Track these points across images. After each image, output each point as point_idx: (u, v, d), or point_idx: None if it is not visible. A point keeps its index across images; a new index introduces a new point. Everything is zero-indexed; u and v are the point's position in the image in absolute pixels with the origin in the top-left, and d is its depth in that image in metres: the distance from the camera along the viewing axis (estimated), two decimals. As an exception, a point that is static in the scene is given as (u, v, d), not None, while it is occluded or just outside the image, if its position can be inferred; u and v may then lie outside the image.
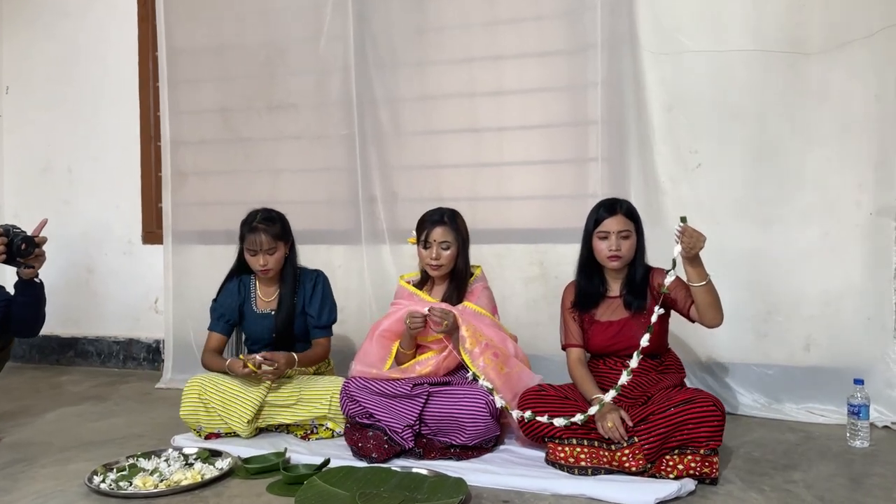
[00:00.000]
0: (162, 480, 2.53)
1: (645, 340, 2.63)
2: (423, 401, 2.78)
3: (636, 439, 2.48)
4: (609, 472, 2.52)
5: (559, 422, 2.57)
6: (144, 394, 3.98)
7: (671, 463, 2.47)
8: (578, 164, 3.67)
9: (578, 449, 2.57)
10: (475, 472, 2.55)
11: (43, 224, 2.93)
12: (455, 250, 2.98)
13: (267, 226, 3.10)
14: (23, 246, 2.84)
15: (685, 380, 2.89)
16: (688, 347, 3.42)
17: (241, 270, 3.26)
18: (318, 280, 3.25)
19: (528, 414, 2.64)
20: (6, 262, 2.86)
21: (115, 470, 2.62)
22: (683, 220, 2.56)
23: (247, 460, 2.71)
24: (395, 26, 3.92)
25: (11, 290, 3.09)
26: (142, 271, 4.57)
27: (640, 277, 2.81)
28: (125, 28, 4.59)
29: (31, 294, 3.04)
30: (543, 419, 2.61)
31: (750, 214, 3.40)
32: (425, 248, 2.98)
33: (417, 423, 2.77)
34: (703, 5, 3.44)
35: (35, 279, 3.02)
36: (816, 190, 3.33)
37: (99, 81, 4.65)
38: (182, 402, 3.01)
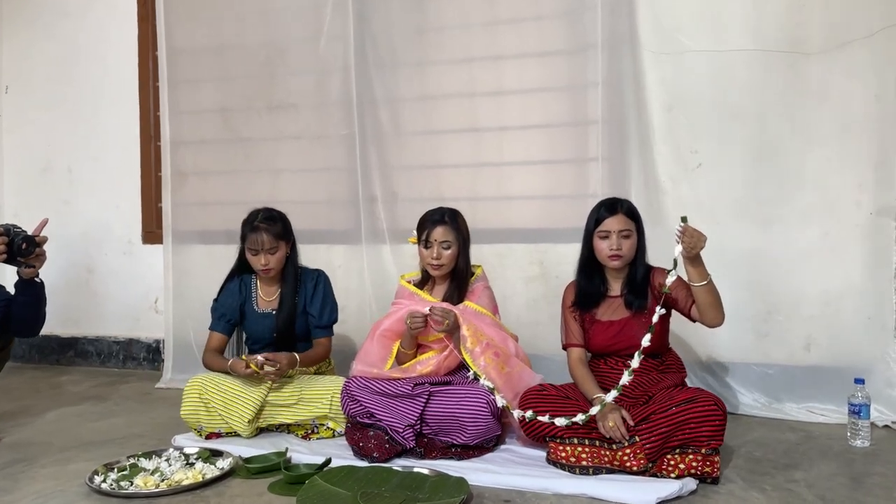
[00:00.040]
0: (163, 480, 2.53)
1: (646, 340, 2.63)
2: (425, 400, 2.78)
3: (637, 439, 2.48)
4: (610, 471, 2.53)
5: (560, 421, 2.58)
6: (144, 394, 3.98)
7: (672, 462, 2.47)
8: (579, 163, 3.67)
9: (580, 448, 2.57)
10: (476, 472, 2.55)
11: (43, 223, 2.93)
12: (456, 250, 2.98)
13: (268, 225, 3.10)
14: (23, 245, 2.84)
15: (686, 379, 2.89)
16: (688, 347, 3.42)
17: (242, 270, 3.26)
18: (320, 280, 3.25)
19: (529, 413, 2.64)
20: (7, 261, 2.86)
21: (115, 470, 2.61)
22: (684, 219, 2.56)
23: (248, 460, 2.71)
24: (395, 26, 3.92)
25: (12, 290, 3.09)
26: (142, 271, 4.57)
27: (640, 277, 2.81)
28: (125, 28, 4.59)
29: (32, 294, 3.04)
30: (545, 419, 2.61)
31: (750, 214, 3.40)
32: (426, 247, 2.98)
33: (418, 422, 2.77)
34: (703, 5, 3.45)
35: (35, 279, 3.02)
36: (816, 190, 3.33)
37: (99, 81, 4.65)
38: (183, 402, 3.01)
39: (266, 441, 2.95)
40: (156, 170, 4.53)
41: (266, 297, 3.24)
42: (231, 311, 3.23)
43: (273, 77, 4.18)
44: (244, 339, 3.38)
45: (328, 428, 3.02)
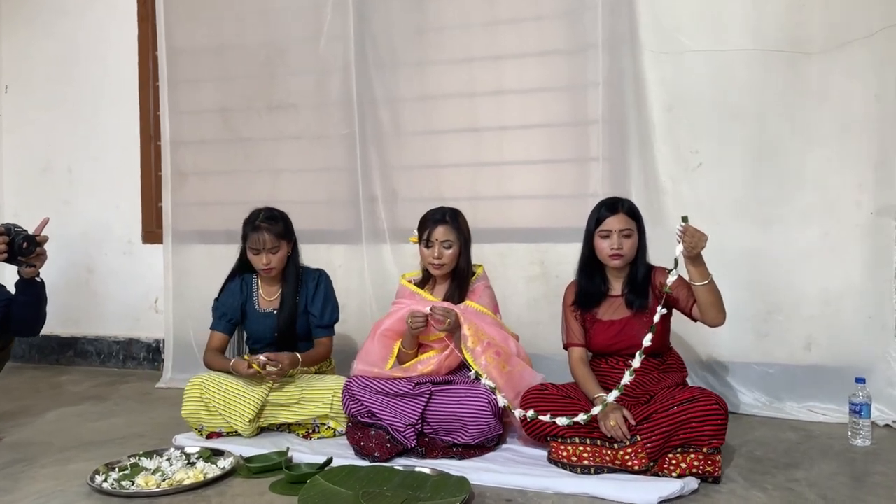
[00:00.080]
0: (164, 480, 2.52)
1: (647, 340, 2.63)
2: (426, 400, 2.79)
3: (639, 438, 2.48)
4: (612, 470, 2.52)
5: (562, 421, 2.58)
6: (145, 393, 3.98)
7: (674, 462, 2.47)
8: (579, 163, 3.67)
9: (581, 448, 2.57)
10: (478, 471, 2.54)
11: (44, 223, 2.93)
12: (457, 249, 2.98)
13: (270, 225, 3.10)
14: (24, 245, 2.83)
15: (686, 379, 2.89)
16: (689, 346, 3.42)
17: (243, 269, 3.25)
18: (321, 279, 3.25)
19: (530, 413, 2.64)
20: (7, 260, 2.86)
21: (116, 469, 2.61)
22: (685, 219, 2.56)
23: (249, 459, 2.71)
24: (395, 26, 3.92)
25: (12, 290, 3.09)
26: (142, 271, 4.57)
27: (641, 276, 2.81)
28: (125, 27, 4.59)
29: (32, 293, 3.04)
30: (546, 418, 2.61)
31: (750, 214, 3.41)
32: (427, 247, 2.98)
33: (420, 421, 2.77)
34: (703, 5, 3.45)
35: (36, 278, 3.01)
36: (817, 190, 3.34)
37: (99, 81, 4.65)
38: (183, 402, 3.01)
39: (267, 441, 2.95)
40: (156, 169, 4.53)
41: (267, 297, 3.24)
42: (232, 311, 3.23)
43: (273, 77, 4.18)
44: (245, 338, 3.38)
45: (329, 427, 3.02)
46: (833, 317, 3.32)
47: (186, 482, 2.48)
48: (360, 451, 2.76)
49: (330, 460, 2.62)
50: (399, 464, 2.64)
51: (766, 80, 3.37)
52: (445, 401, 2.78)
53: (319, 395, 3.00)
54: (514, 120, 3.76)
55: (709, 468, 2.45)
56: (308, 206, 3.98)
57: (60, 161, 4.75)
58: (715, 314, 2.64)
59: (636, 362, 2.61)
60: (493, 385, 2.75)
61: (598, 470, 2.54)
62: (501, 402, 2.72)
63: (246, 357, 3.00)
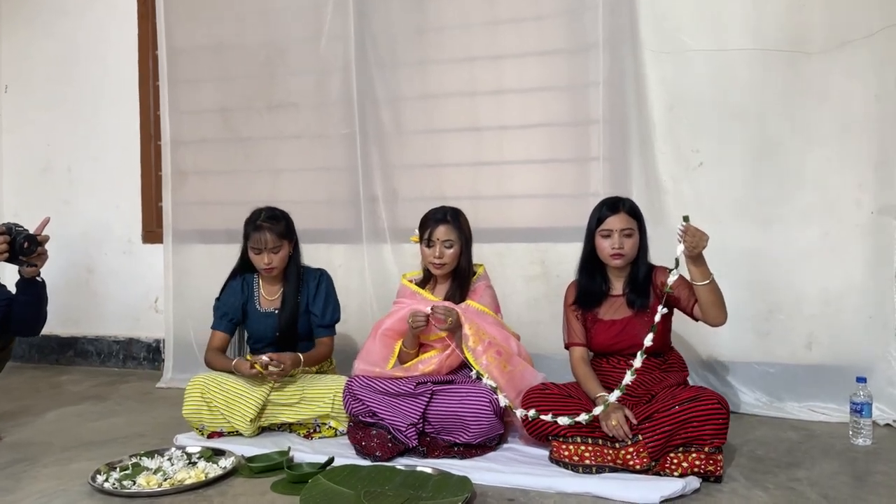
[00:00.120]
0: (166, 479, 2.52)
1: (648, 340, 2.63)
2: (427, 399, 2.79)
3: (640, 437, 2.48)
4: (613, 470, 2.52)
5: (563, 420, 2.58)
6: (145, 393, 3.98)
7: (676, 461, 2.47)
8: (580, 163, 3.67)
9: (583, 447, 2.57)
10: (479, 471, 2.54)
11: (45, 222, 2.92)
12: (458, 249, 2.98)
13: (271, 224, 3.09)
14: (25, 244, 2.83)
15: (687, 378, 2.89)
16: (689, 346, 3.42)
17: (244, 269, 3.25)
18: (322, 279, 3.25)
19: (532, 412, 2.64)
20: (9, 260, 2.86)
21: (118, 469, 2.61)
22: (686, 219, 2.56)
23: (250, 459, 2.71)
24: (395, 26, 3.92)
25: (13, 289, 3.08)
26: (142, 271, 4.57)
27: (642, 276, 2.81)
28: (125, 27, 4.58)
29: (33, 293, 3.03)
30: (547, 418, 2.61)
31: (751, 213, 3.41)
32: (428, 246, 2.98)
33: (421, 421, 2.77)
34: (703, 5, 3.45)
35: (37, 278, 3.01)
36: (817, 189, 3.34)
37: (99, 81, 4.65)
38: (185, 401, 3.01)
39: (268, 440, 2.95)
40: (156, 169, 4.52)
41: (268, 297, 3.24)
42: (233, 311, 3.23)
43: (274, 76, 4.18)
44: (246, 338, 3.37)
45: (330, 427, 3.02)
46: (834, 316, 3.32)
47: (188, 482, 2.48)
48: (362, 451, 2.76)
49: (331, 460, 2.62)
50: (400, 463, 2.64)
51: (766, 79, 3.37)
52: (447, 400, 2.78)
53: (320, 394, 3.00)
54: (515, 119, 3.76)
55: (710, 467, 2.45)
56: (308, 205, 3.98)
57: (60, 161, 4.75)
58: (716, 314, 2.64)
59: (637, 362, 2.61)
60: (494, 385, 2.75)
61: (600, 469, 2.54)
62: (503, 401, 2.72)
63: (248, 358, 2.99)
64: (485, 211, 3.72)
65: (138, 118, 4.58)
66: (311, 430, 3.03)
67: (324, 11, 4.01)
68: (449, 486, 2.38)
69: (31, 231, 2.88)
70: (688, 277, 2.65)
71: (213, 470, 2.59)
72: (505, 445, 2.86)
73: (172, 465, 2.64)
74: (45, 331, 3.28)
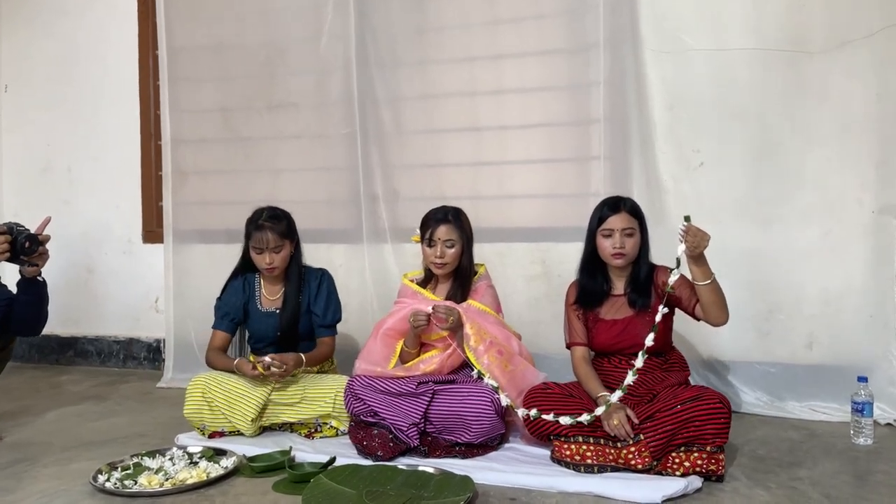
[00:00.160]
0: (167, 479, 2.52)
1: (650, 340, 2.63)
2: (429, 399, 2.78)
3: (642, 437, 2.48)
4: (615, 469, 2.52)
5: (565, 420, 2.58)
6: (145, 393, 3.97)
7: (677, 460, 2.47)
8: (580, 162, 3.67)
9: (584, 447, 2.57)
10: (481, 470, 2.54)
11: (46, 222, 2.92)
12: (459, 248, 2.98)
13: (273, 224, 3.09)
14: (27, 244, 2.82)
15: (689, 377, 2.89)
16: (690, 346, 3.42)
17: (245, 268, 3.25)
18: (323, 279, 3.25)
19: (533, 412, 2.64)
20: (10, 260, 2.85)
21: (119, 469, 2.61)
22: (687, 219, 2.56)
23: (252, 459, 2.70)
24: (395, 25, 3.92)
25: (14, 289, 3.08)
26: (142, 270, 4.57)
27: (644, 275, 2.81)
28: (125, 26, 4.58)
29: (34, 293, 3.03)
30: (549, 417, 2.61)
31: (751, 213, 3.41)
32: (430, 246, 2.98)
33: (422, 421, 2.77)
34: (704, 4, 3.45)
35: (38, 277, 3.01)
36: (818, 189, 3.34)
37: (99, 80, 4.64)
38: (186, 401, 3.00)
39: (269, 440, 2.95)
40: (156, 169, 4.52)
41: (270, 296, 3.24)
42: (235, 310, 3.23)
43: (274, 76, 4.17)
44: (247, 337, 3.37)
45: (331, 427, 3.02)
46: (834, 316, 3.32)
47: (190, 481, 2.48)
48: (363, 451, 2.76)
49: (333, 459, 2.62)
50: (402, 463, 2.64)
51: (767, 79, 3.37)
52: (448, 400, 2.78)
53: (322, 394, 2.99)
54: (515, 119, 3.76)
55: (712, 467, 2.45)
56: (309, 205, 3.97)
57: (60, 161, 4.75)
58: (718, 313, 2.65)
59: (639, 362, 2.62)
60: (495, 384, 2.75)
61: (602, 469, 2.54)
62: (504, 401, 2.72)
63: (252, 359, 2.99)
64: (485, 211, 3.72)
65: (138, 118, 4.58)
66: (313, 430, 3.03)
67: (324, 11, 4.00)
68: (451, 486, 2.38)
69: (33, 231, 2.88)
70: (689, 277, 2.65)
71: (215, 470, 2.58)
72: (506, 445, 2.86)
73: (174, 464, 2.64)
74: (45, 331, 3.27)
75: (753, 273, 3.39)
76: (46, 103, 4.76)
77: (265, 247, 3.08)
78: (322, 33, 4.02)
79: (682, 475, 2.44)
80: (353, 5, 3.92)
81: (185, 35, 4.29)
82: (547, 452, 2.70)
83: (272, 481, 2.53)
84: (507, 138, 3.79)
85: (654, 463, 2.48)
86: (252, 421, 2.95)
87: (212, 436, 3.01)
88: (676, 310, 2.79)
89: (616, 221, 2.76)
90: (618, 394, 2.58)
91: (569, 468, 2.57)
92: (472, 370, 2.81)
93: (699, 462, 2.45)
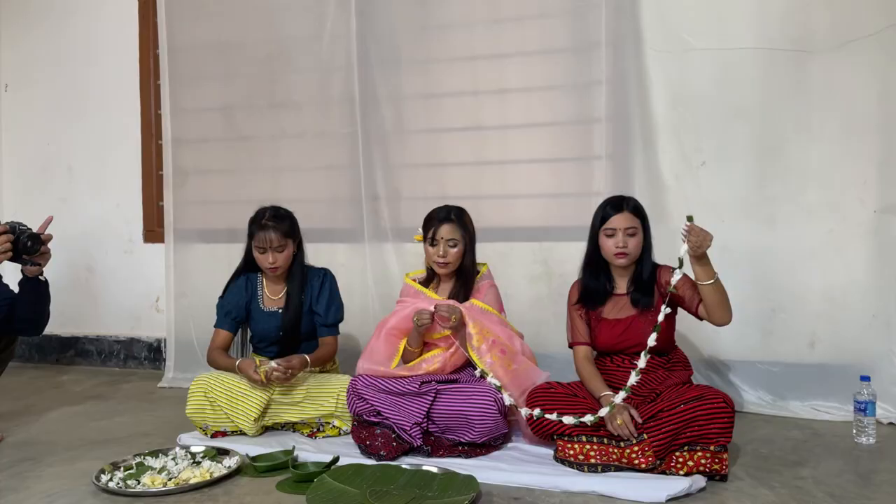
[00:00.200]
0: (170, 479, 2.52)
1: (652, 340, 2.63)
2: (432, 398, 2.78)
3: (645, 436, 2.48)
4: (619, 469, 2.52)
5: (569, 420, 2.57)
6: (147, 393, 3.97)
7: (681, 460, 2.47)
8: (583, 162, 3.66)
9: (588, 446, 2.57)
10: (484, 470, 2.54)
11: (48, 221, 2.91)
12: (462, 248, 2.97)
13: (276, 223, 3.09)
14: (29, 243, 2.81)
15: (691, 376, 2.89)
16: (692, 345, 3.42)
17: (248, 268, 3.24)
18: (326, 278, 3.24)
19: (537, 411, 2.64)
20: (12, 259, 2.84)
21: (122, 468, 2.60)
22: (690, 219, 2.56)
23: (255, 458, 2.69)
24: (398, 24, 3.91)
25: (15, 289, 3.07)
26: (143, 270, 4.56)
27: (647, 275, 2.81)
28: (126, 26, 4.57)
29: (36, 292, 3.02)
30: (553, 417, 2.61)
31: (754, 212, 3.41)
32: (432, 245, 2.97)
33: (425, 420, 2.77)
34: (707, 3, 3.45)
35: (40, 277, 3.00)
36: (821, 188, 3.34)
37: (99, 80, 4.63)
38: (188, 401, 3.00)
39: (272, 440, 2.95)
40: (157, 168, 4.51)
41: (272, 296, 3.23)
42: (237, 309, 3.22)
43: (275, 75, 4.17)
44: (249, 337, 3.36)
45: (334, 426, 3.02)
46: (837, 315, 3.32)
47: (193, 481, 2.48)
48: (366, 450, 2.76)
49: (336, 459, 2.62)
50: (405, 462, 2.63)
51: (769, 78, 3.37)
52: (451, 399, 2.78)
53: (325, 393, 2.99)
54: (518, 118, 3.76)
55: (716, 466, 2.45)
56: (310, 204, 3.95)
57: (61, 160, 4.74)
58: (721, 313, 2.64)
59: (641, 362, 2.61)
60: (498, 384, 2.75)
61: (605, 468, 2.53)
62: (507, 400, 2.72)
63: (258, 362, 2.98)
64: (487, 210, 3.70)
65: (139, 117, 4.57)
66: (315, 430, 3.03)
67: (326, 10, 4.00)
68: (455, 486, 2.37)
69: (35, 230, 2.87)
70: (692, 277, 2.65)
71: (218, 469, 2.58)
72: (509, 444, 2.86)
73: (177, 464, 2.63)
74: (46, 330, 3.26)
75: (756, 272, 3.40)
76: (46, 103, 4.75)
77: (268, 246, 3.08)
78: (324, 32, 4.01)
79: (686, 474, 2.44)
80: (354, 4, 3.91)
81: (185, 34, 4.28)
82: (550, 452, 2.71)
83: (275, 481, 2.52)
84: (509, 137, 3.79)
85: (658, 462, 2.48)
86: (255, 420, 2.95)
87: (214, 435, 3.01)
88: (679, 309, 2.79)
89: (619, 221, 2.76)
90: (622, 395, 2.57)
91: (572, 468, 2.57)
92: (475, 369, 2.81)
93: (703, 461, 2.45)
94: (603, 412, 2.54)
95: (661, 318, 2.64)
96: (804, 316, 3.37)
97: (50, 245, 2.94)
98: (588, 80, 3.61)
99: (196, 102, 4.29)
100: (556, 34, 3.69)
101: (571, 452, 2.59)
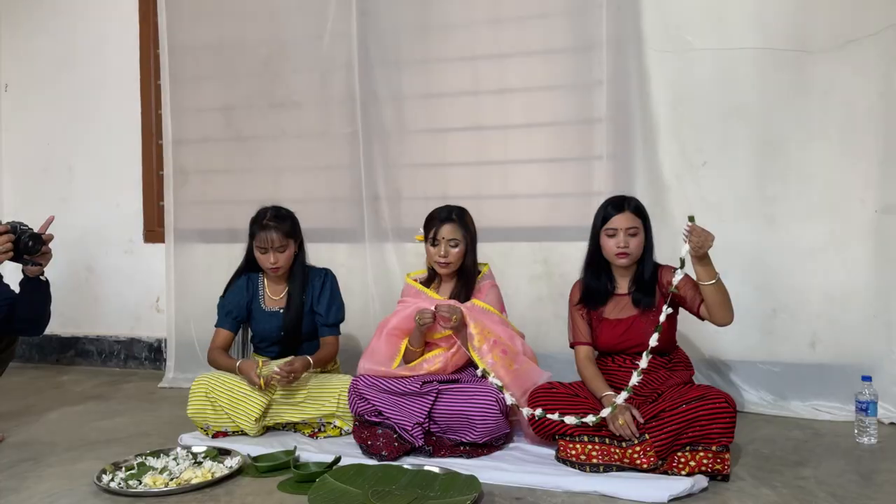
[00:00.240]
0: (172, 479, 2.52)
1: (654, 340, 2.63)
2: (433, 398, 2.78)
3: (647, 436, 2.48)
4: (620, 469, 2.52)
5: (570, 420, 2.57)
6: (147, 393, 3.97)
7: (683, 460, 2.47)
8: (584, 161, 3.67)
9: (590, 446, 2.56)
10: (486, 470, 2.54)
11: (50, 221, 2.91)
12: (463, 248, 2.97)
13: (277, 223, 3.08)
14: (30, 243, 2.81)
15: (693, 377, 2.89)
16: (694, 345, 3.42)
17: (249, 268, 3.24)
18: (327, 278, 3.24)
19: (538, 411, 2.64)
20: (13, 259, 2.84)
21: (123, 469, 2.60)
22: (691, 219, 2.56)
23: (256, 458, 2.69)
24: (399, 24, 3.91)
25: (16, 289, 3.07)
26: (143, 270, 4.56)
27: (648, 275, 2.81)
28: (126, 25, 4.57)
29: (37, 292, 3.02)
30: (554, 417, 2.61)
31: (755, 212, 3.41)
32: (433, 245, 2.97)
33: (427, 420, 2.77)
34: (707, 3, 3.45)
35: (41, 277, 3.00)
36: (821, 188, 3.34)
37: (99, 79, 4.63)
38: (189, 401, 3.00)
39: (273, 440, 2.94)
40: (157, 168, 4.51)
41: (273, 296, 3.23)
42: (238, 309, 3.22)
43: (276, 75, 4.16)
44: (250, 337, 3.36)
45: (335, 426, 3.01)
46: (838, 315, 3.33)
47: (194, 481, 2.48)
48: (368, 450, 2.76)
49: (338, 459, 2.61)
50: (407, 462, 2.63)
51: (769, 78, 3.38)
52: (453, 399, 2.77)
53: (326, 393, 2.99)
54: (519, 118, 3.76)
55: (718, 466, 2.45)
56: (311, 204, 3.95)
57: (61, 160, 4.73)
58: (723, 314, 2.64)
59: (643, 363, 2.62)
60: (500, 383, 2.75)
61: (607, 468, 2.53)
62: (509, 400, 2.72)
63: (260, 363, 2.98)
64: (488, 210, 3.69)
65: (140, 117, 4.56)
66: (316, 430, 3.03)
67: (326, 10, 3.99)
68: (456, 486, 2.37)
69: (36, 230, 2.87)
70: (694, 277, 2.64)
71: (220, 469, 2.58)
72: (511, 445, 2.86)
73: (178, 464, 2.63)
74: (46, 330, 3.25)
75: (757, 272, 3.40)
76: (47, 103, 4.74)
77: (269, 246, 3.07)
78: (324, 32, 4.01)
79: (688, 474, 2.44)
80: (355, 4, 3.91)
81: (186, 34, 4.27)
82: (551, 452, 2.71)
83: (277, 481, 2.52)
84: (510, 137, 3.79)
85: (660, 462, 2.48)
86: (256, 421, 2.95)
87: (215, 436, 3.01)
88: (680, 309, 2.79)
89: (620, 221, 2.76)
90: (623, 395, 2.57)
91: (574, 468, 2.57)
92: (477, 369, 2.80)
93: (705, 461, 2.45)
94: (605, 412, 2.54)
95: (662, 318, 2.64)
96: (805, 316, 3.37)
97: (51, 245, 2.94)
98: (589, 79, 3.61)
99: (196, 102, 4.29)
100: (557, 34, 3.69)
101: (573, 452, 2.59)
